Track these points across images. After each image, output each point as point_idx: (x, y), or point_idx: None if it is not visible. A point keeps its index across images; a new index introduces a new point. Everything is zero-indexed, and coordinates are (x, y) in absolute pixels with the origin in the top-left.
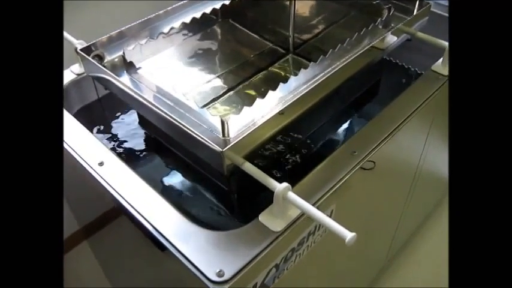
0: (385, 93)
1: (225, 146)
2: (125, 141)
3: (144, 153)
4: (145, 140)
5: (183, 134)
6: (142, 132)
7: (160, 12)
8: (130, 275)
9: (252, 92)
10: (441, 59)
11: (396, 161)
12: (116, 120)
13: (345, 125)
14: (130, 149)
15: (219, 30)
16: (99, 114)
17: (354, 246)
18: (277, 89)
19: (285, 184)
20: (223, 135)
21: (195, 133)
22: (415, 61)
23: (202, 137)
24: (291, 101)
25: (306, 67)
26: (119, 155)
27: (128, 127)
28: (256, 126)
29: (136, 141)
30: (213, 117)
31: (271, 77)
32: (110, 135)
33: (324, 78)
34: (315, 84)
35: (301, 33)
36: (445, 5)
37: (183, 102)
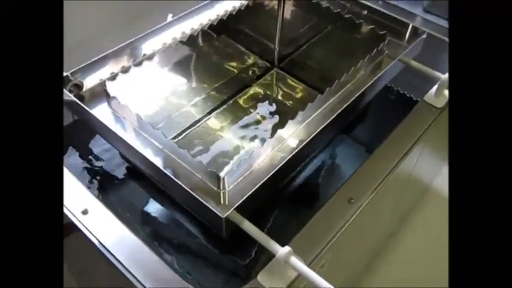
0: (375, 123)
1: (223, 202)
2: (107, 175)
3: (128, 192)
4: (129, 175)
5: (175, 187)
6: (125, 164)
7: (145, 33)
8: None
9: (234, 113)
10: (434, 88)
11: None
12: (95, 148)
13: (337, 165)
14: (113, 188)
15: (205, 48)
16: (76, 140)
17: None
18: (275, 136)
19: (287, 248)
20: (219, 187)
21: (192, 194)
22: (406, 83)
23: (202, 200)
24: (293, 154)
25: (292, 88)
26: (101, 198)
27: (111, 157)
28: (260, 183)
29: (120, 176)
30: (207, 169)
31: (254, 96)
32: (89, 168)
33: (328, 122)
34: (319, 129)
35: (286, 45)
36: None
37: (174, 148)
